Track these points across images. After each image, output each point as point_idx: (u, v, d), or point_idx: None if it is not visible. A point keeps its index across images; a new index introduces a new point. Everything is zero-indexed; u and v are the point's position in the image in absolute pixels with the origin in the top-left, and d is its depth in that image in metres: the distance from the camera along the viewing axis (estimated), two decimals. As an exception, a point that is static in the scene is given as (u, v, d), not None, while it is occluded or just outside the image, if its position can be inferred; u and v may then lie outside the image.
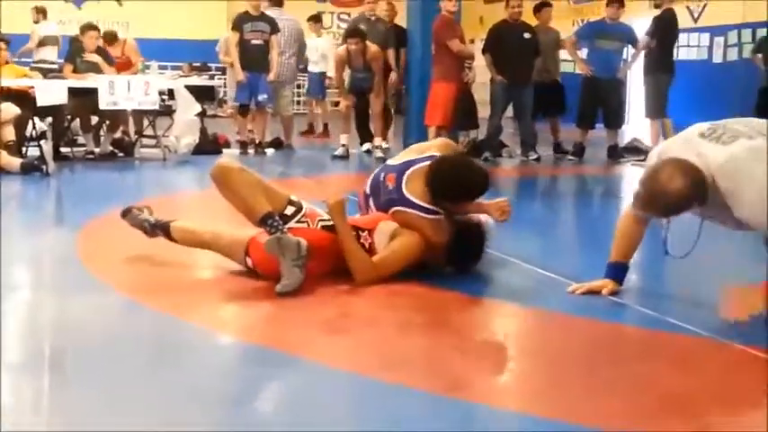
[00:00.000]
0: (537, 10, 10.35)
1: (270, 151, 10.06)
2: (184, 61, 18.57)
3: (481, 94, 10.43)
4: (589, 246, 5.08)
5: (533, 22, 10.12)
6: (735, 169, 2.95)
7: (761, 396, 2.45)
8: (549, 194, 8.10)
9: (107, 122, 9.22)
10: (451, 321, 3.32)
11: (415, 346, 2.94)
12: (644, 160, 8.49)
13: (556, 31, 10.38)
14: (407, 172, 3.94)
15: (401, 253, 3.73)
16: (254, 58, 9.66)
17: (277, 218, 3.56)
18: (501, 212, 4.05)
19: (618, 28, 9.83)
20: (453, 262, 3.89)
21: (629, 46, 10.00)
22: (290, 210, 3.72)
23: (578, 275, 3.68)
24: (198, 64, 18.78)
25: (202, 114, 9.77)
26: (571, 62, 11.13)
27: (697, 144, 3.05)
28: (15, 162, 7.34)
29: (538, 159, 9.61)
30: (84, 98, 8.52)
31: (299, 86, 13.64)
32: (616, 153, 9.81)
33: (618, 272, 3.50)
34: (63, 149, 8.77)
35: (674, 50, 9.98)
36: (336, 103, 13.68)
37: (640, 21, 10.35)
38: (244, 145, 9.93)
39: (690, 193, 2.96)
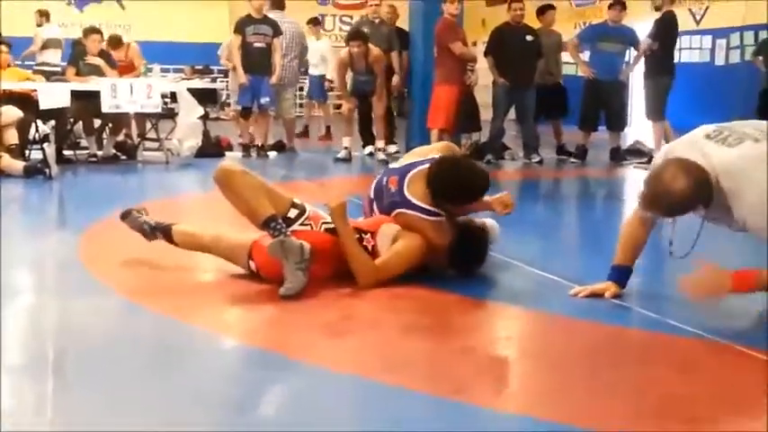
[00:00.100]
0: (540, 12, 10.36)
1: (272, 154, 10.06)
2: (187, 64, 18.63)
3: (483, 96, 10.43)
4: (591, 248, 5.08)
5: (536, 24, 10.13)
6: (739, 171, 2.95)
7: (761, 398, 2.45)
8: (552, 197, 8.09)
9: (110, 125, 9.22)
10: (454, 324, 3.32)
11: (417, 348, 2.94)
12: (646, 162, 8.55)
13: (558, 33, 10.38)
14: (409, 174, 3.94)
15: (403, 255, 3.73)
16: (256, 62, 9.67)
17: (280, 221, 3.57)
18: (504, 206, 4.07)
19: (620, 30, 9.84)
20: (455, 265, 3.90)
21: (632, 48, 10.00)
22: (293, 212, 3.73)
23: (581, 278, 3.68)
24: (200, 67, 18.83)
25: (205, 117, 9.77)
26: (573, 65, 11.12)
27: (703, 145, 3.05)
28: (18, 165, 7.35)
29: (540, 162, 9.61)
30: (86, 101, 8.53)
31: (301, 89, 13.66)
32: (618, 155, 9.81)
33: (621, 275, 3.50)
34: (66, 152, 8.79)
35: (675, 53, 9.99)
36: (339, 106, 13.70)
37: (642, 24, 10.34)
38: (246, 148, 9.94)
39: (693, 192, 2.95)
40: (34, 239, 4.93)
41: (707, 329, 3.05)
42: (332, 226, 3.71)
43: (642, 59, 9.76)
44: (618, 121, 10.03)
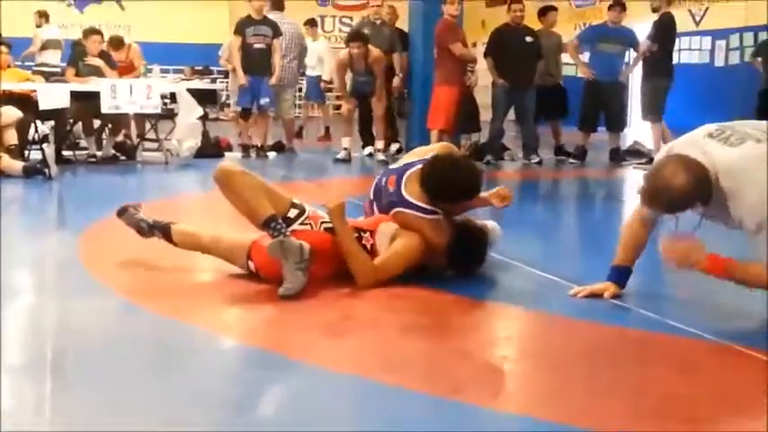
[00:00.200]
0: (542, 13, 10.37)
1: (272, 155, 10.07)
2: (186, 65, 18.64)
3: (483, 97, 10.44)
4: (591, 249, 5.08)
5: (536, 25, 10.13)
6: (739, 171, 2.95)
7: (761, 398, 2.45)
8: (551, 198, 8.09)
9: (109, 126, 9.23)
10: (453, 324, 3.32)
11: (416, 348, 2.94)
12: (646, 163, 8.55)
13: (558, 34, 10.39)
14: (406, 174, 3.95)
15: (402, 255, 3.73)
16: (256, 62, 9.67)
17: (280, 221, 3.57)
18: (501, 199, 4.08)
19: (620, 31, 9.85)
20: (454, 265, 3.89)
21: (631, 49, 10.00)
22: (293, 212, 3.73)
23: (580, 278, 3.68)
24: (200, 67, 18.83)
25: (204, 118, 9.78)
26: (573, 65, 11.13)
27: (704, 143, 3.05)
28: (18, 165, 7.35)
29: (540, 163, 9.62)
30: (86, 102, 8.53)
31: (300, 90, 13.67)
32: (618, 156, 9.82)
33: (620, 275, 3.50)
34: (65, 153, 8.79)
35: (675, 54, 9.99)
36: (339, 107, 13.71)
37: (642, 25, 10.35)
38: (246, 148, 9.94)
39: (693, 189, 2.95)
40: (34, 240, 4.93)
41: (707, 330, 3.05)
42: (331, 225, 3.72)
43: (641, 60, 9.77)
44: (617, 122, 10.04)
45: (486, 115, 10.13)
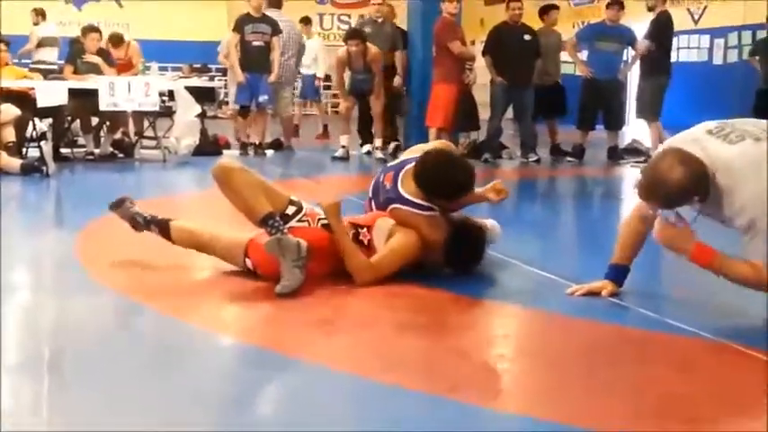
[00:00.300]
0: (544, 12, 10.38)
1: (270, 152, 10.06)
2: (185, 62, 18.63)
3: (482, 95, 10.44)
4: (589, 247, 5.08)
5: (536, 24, 10.13)
6: (737, 168, 2.94)
7: (760, 398, 2.45)
8: (549, 196, 8.10)
9: (107, 123, 9.22)
10: (450, 322, 3.32)
11: (413, 347, 2.93)
12: (644, 162, 8.55)
13: (557, 33, 10.39)
14: (403, 171, 3.96)
15: (398, 252, 3.73)
16: (254, 60, 9.67)
17: (278, 218, 3.56)
18: (496, 193, 4.08)
19: (618, 30, 9.85)
20: (451, 263, 3.89)
21: (630, 48, 10.00)
22: (290, 209, 3.73)
23: (578, 277, 3.68)
24: (198, 65, 18.83)
25: (202, 115, 9.77)
26: (571, 64, 11.14)
27: (703, 140, 3.04)
28: (15, 163, 7.35)
29: (538, 161, 9.62)
30: (84, 99, 8.53)
31: (295, 89, 13.67)
32: (616, 154, 9.82)
33: (618, 273, 3.50)
34: (63, 150, 8.79)
35: (673, 53, 9.99)
36: (338, 105, 13.70)
37: (640, 23, 10.35)
38: (244, 146, 9.93)
39: (690, 183, 2.94)
40: (31, 237, 4.92)
41: (706, 329, 3.05)
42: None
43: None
44: (615, 121, 10.05)
45: (484, 113, 10.13)
